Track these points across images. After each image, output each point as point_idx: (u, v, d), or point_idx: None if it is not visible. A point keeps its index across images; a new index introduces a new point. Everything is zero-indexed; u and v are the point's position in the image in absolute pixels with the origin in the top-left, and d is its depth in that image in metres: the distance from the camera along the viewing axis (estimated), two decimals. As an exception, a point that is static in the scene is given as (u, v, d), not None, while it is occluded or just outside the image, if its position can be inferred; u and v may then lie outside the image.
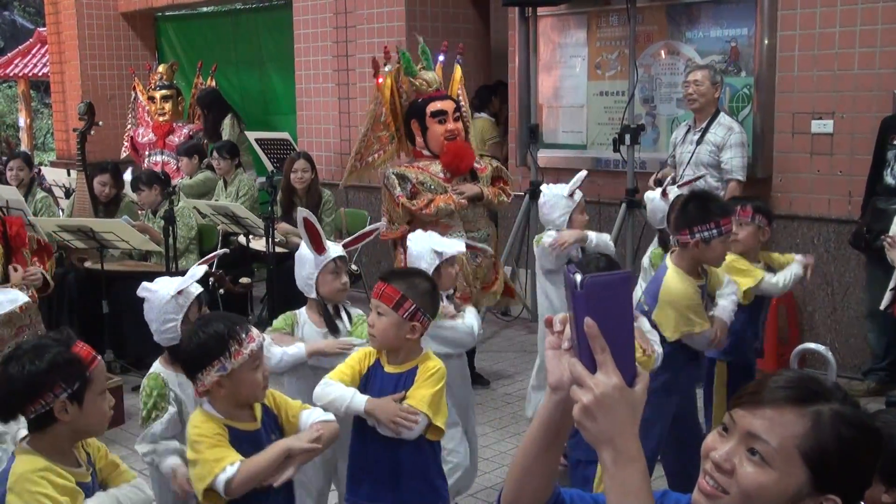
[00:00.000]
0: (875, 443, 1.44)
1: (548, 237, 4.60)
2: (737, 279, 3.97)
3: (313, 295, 3.48)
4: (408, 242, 3.93)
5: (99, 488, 2.47)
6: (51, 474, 2.31)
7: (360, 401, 2.92)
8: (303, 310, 3.56)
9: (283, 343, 3.38)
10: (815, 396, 1.43)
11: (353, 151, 5.56)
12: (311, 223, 3.42)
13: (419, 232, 3.97)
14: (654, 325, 3.65)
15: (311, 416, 2.76)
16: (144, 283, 3.11)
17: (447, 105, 5.33)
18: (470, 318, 3.83)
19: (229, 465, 2.52)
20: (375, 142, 5.44)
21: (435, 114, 5.28)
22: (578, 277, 1.33)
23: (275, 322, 3.57)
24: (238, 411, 2.65)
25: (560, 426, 1.45)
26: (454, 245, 3.87)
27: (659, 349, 3.51)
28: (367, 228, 3.94)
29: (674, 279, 3.72)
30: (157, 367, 3.11)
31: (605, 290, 1.33)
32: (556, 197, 4.59)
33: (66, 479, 2.33)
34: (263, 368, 2.66)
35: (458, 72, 5.72)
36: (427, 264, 3.74)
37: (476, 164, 5.45)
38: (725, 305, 3.85)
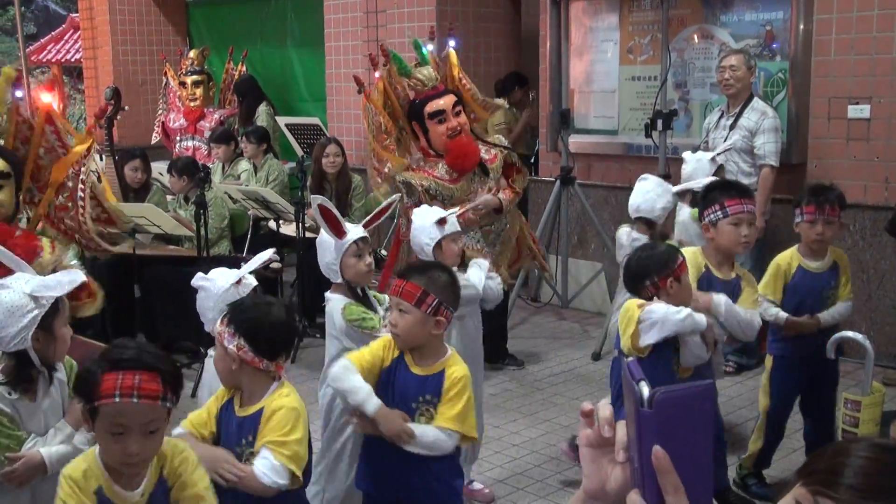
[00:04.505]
0: None
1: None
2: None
3: (339, 280, 3.44)
4: (412, 216, 3.92)
5: None
6: (71, 484, 2.21)
7: (373, 404, 2.84)
8: (336, 296, 3.49)
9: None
10: None
11: (369, 167, 5.44)
12: (327, 209, 3.35)
13: (424, 207, 3.98)
14: None
15: None
16: (200, 274, 3.12)
17: (446, 102, 5.09)
18: (473, 273, 3.80)
19: (179, 428, 2.74)
20: (384, 151, 5.29)
21: (433, 115, 5.07)
22: (646, 390, 1.06)
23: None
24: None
25: None
26: (455, 221, 3.86)
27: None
28: (384, 203, 3.84)
29: (688, 251, 3.78)
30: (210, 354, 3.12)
31: (680, 407, 1.06)
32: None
33: (84, 499, 2.20)
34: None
35: (453, 57, 5.38)
36: (428, 239, 3.75)
37: (484, 156, 5.21)
38: (730, 306, 3.72)
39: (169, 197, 7.14)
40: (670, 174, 6.18)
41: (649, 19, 6.78)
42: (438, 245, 3.76)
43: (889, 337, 5.72)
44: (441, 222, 3.77)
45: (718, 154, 5.05)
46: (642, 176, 4.64)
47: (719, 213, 3.72)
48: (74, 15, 15.83)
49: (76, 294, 4.07)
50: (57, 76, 17.62)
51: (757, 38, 6.18)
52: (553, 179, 7.01)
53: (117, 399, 2.13)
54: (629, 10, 6.91)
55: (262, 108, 9.12)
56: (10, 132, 4.02)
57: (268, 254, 3.24)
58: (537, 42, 7.53)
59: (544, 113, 7.47)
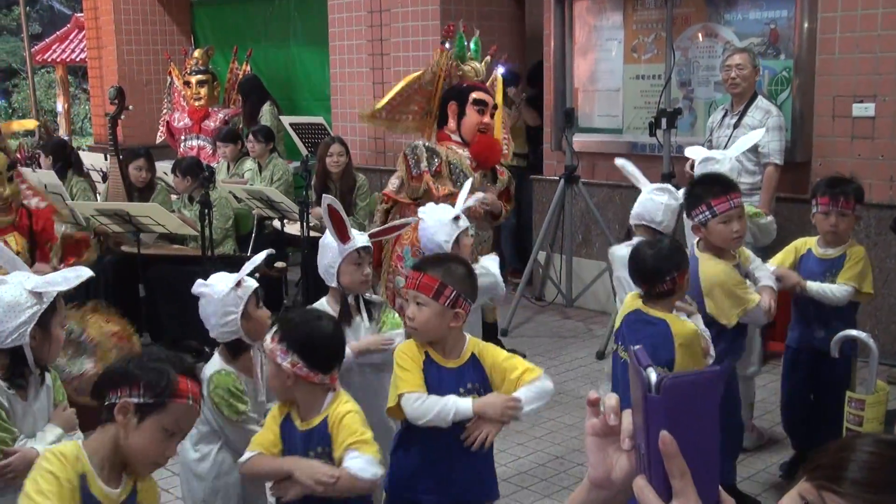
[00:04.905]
0: None
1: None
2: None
3: (334, 284, 3.39)
4: (420, 215, 3.90)
5: None
6: (57, 462, 2.17)
7: (465, 405, 2.79)
8: (323, 300, 3.47)
9: None
10: None
11: (385, 97, 5.50)
12: (336, 211, 3.31)
13: (430, 205, 3.98)
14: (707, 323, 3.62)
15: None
16: (199, 280, 3.09)
17: (489, 99, 5.31)
18: (489, 263, 3.83)
19: (249, 451, 2.72)
20: (412, 103, 5.41)
21: (477, 101, 5.23)
22: (653, 376, 1.06)
23: None
24: None
25: None
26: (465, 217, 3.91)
27: (712, 352, 3.46)
28: (398, 222, 3.86)
29: (707, 264, 3.72)
30: (220, 363, 3.06)
31: (688, 393, 1.06)
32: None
33: (66, 484, 2.15)
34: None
35: (500, 83, 5.73)
36: (447, 236, 3.74)
37: (497, 166, 5.44)
38: (764, 274, 3.86)
39: (173, 196, 7.15)
40: (674, 173, 6.18)
41: (653, 18, 6.78)
42: (455, 241, 3.78)
43: (894, 335, 5.72)
44: (456, 219, 3.80)
45: (736, 154, 4.93)
46: (658, 187, 4.26)
47: (707, 213, 3.66)
48: (79, 14, 15.87)
49: (78, 250, 4.23)
50: (62, 76, 17.66)
51: (761, 36, 6.17)
52: (557, 178, 7.01)
53: (190, 402, 2.26)
54: (633, 8, 6.91)
55: (266, 108, 9.13)
56: None
57: (262, 255, 3.22)
58: (541, 41, 7.53)
59: (549, 112, 7.46)
